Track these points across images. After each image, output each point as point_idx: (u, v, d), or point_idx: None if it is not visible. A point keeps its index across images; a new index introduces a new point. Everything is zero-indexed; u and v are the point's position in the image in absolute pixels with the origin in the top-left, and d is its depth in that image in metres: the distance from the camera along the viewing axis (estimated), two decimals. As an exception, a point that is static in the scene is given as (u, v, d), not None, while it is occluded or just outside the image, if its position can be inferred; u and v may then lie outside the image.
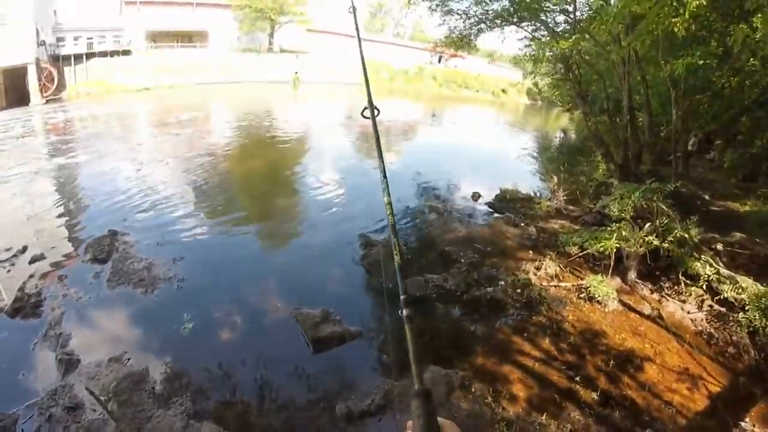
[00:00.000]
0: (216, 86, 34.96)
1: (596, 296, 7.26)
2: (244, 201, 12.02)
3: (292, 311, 6.46)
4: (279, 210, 11.67)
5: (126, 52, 33.33)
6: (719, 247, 8.43)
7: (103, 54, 31.71)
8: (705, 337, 6.70)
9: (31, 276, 7.01)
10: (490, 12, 15.19)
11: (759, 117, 14.42)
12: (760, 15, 6.83)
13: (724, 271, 7.48)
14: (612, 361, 5.82)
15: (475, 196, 13.20)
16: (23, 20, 24.35)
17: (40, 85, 25.10)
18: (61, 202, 10.53)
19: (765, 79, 12.47)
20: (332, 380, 5.26)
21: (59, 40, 29.78)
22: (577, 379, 5.45)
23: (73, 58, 29.06)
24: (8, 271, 7.24)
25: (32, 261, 7.53)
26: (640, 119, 15.75)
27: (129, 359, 5.28)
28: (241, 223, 10.17)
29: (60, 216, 9.78)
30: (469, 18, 15.59)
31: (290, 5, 40.93)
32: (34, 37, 25.61)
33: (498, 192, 13.13)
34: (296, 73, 40.85)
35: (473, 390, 4.95)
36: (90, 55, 30.53)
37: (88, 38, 31.92)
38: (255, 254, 8.79)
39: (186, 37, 38.89)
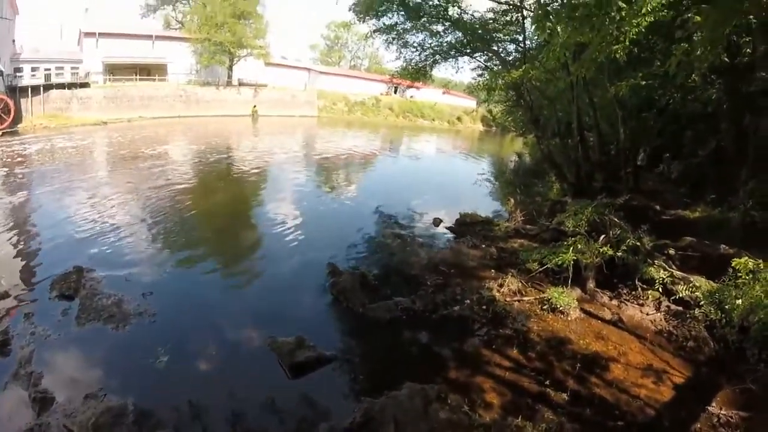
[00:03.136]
0: (175, 120, 34.67)
1: (558, 307, 7.61)
2: (210, 234, 11.99)
3: (266, 340, 6.50)
4: (246, 242, 11.70)
5: (84, 85, 32.61)
6: (671, 251, 8.95)
7: (61, 86, 31.02)
8: (665, 335, 7.10)
9: (-4, 315, 6.80)
10: (445, 44, 15.97)
11: (701, 130, 15.37)
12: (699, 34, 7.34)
13: (677, 273, 7.99)
14: (579, 364, 6.14)
15: (437, 222, 13.56)
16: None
17: (-4, 117, 24.24)
18: (22, 239, 10.23)
19: (705, 93, 13.42)
20: (312, 402, 5.35)
21: (17, 70, 29.10)
22: (547, 382, 5.73)
23: (30, 89, 28.37)
24: (-30, 312, 6.95)
25: (-5, 300, 7.31)
26: (591, 139, 16.64)
27: (105, 395, 5.18)
28: (209, 256, 10.16)
29: (21, 252, 9.49)
30: (424, 50, 16.32)
31: (249, 39, 41.36)
32: (-9, 68, 24.83)
33: (458, 216, 13.47)
34: (255, 107, 42.46)
35: (449, 401, 5.13)
36: (48, 87, 29.85)
37: (46, 69, 31.21)
38: (225, 286, 8.74)
39: (144, 70, 38.48)
